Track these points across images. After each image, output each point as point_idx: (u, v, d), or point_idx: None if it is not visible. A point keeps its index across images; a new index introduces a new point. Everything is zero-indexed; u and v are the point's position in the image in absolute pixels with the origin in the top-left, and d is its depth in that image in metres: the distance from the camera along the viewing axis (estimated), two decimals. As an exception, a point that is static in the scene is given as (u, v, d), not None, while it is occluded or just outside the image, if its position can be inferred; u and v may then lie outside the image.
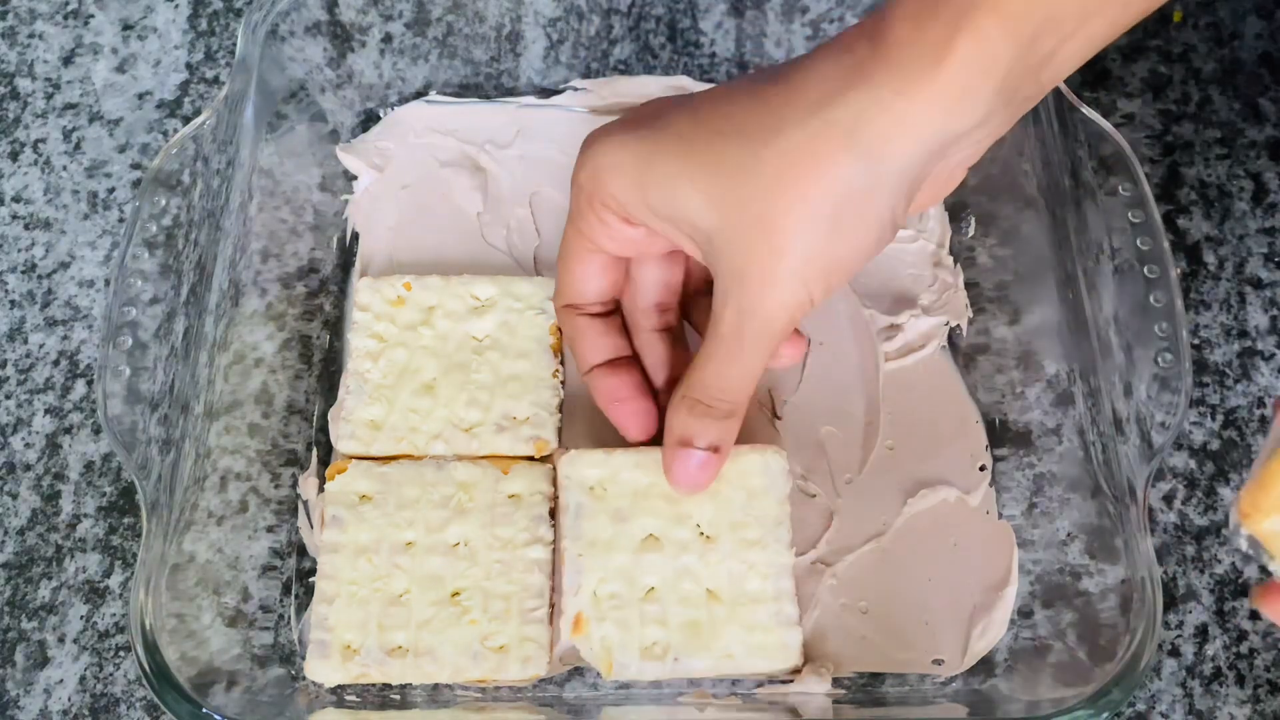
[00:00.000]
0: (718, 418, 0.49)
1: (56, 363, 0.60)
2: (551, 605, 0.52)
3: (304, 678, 0.52)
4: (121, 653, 0.55)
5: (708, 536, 0.53)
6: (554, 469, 0.55)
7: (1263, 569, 0.40)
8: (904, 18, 0.41)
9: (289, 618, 0.54)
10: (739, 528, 0.53)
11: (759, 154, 0.43)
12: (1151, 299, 0.52)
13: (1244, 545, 0.39)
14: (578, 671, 0.53)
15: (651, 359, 0.54)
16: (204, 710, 0.46)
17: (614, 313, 0.54)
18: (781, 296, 0.45)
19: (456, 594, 0.52)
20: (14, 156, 0.66)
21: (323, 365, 0.59)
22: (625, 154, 0.47)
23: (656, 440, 0.53)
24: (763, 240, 0.44)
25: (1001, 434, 0.57)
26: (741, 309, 0.46)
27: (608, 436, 0.55)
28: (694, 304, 0.55)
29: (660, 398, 0.54)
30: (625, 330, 0.54)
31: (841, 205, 0.43)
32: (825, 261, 0.44)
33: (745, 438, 0.53)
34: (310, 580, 0.54)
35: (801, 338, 0.53)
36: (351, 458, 0.55)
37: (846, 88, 0.42)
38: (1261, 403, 0.59)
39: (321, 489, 0.55)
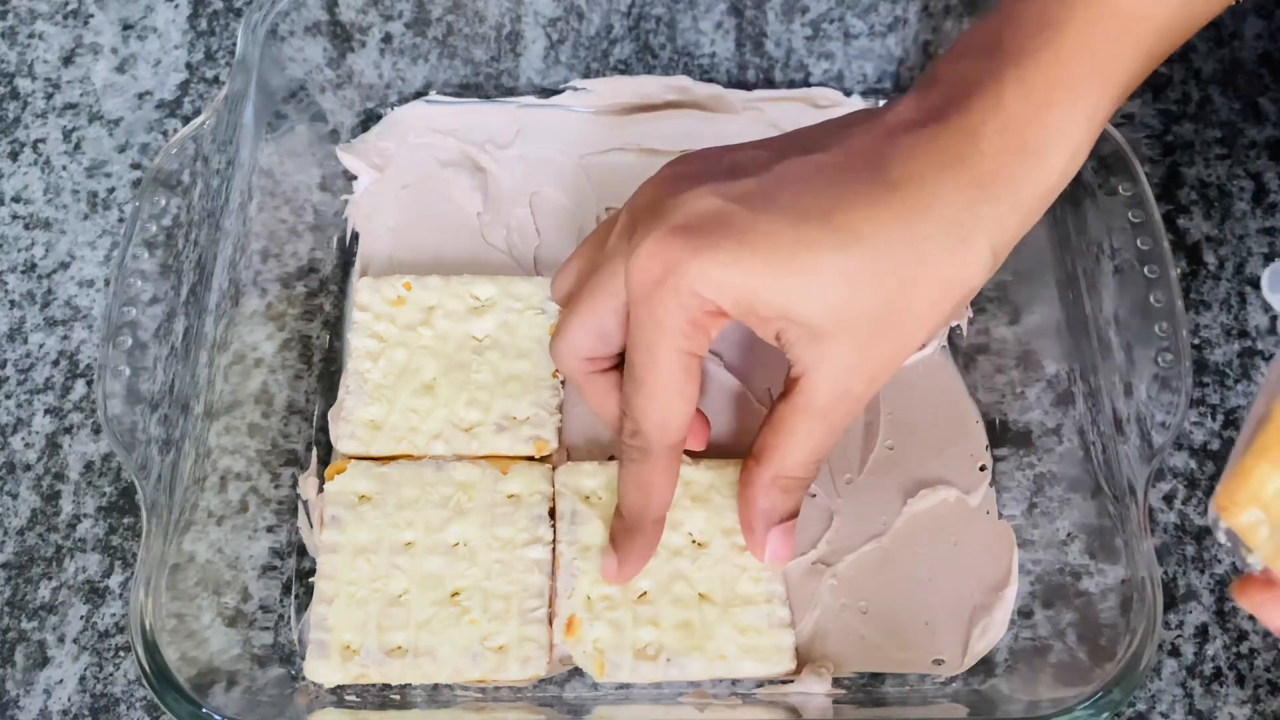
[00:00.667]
0: (801, 491, 0.50)
1: (56, 363, 0.60)
2: (551, 606, 0.53)
3: (304, 678, 0.52)
4: (121, 653, 0.55)
5: (700, 543, 0.53)
6: (553, 469, 0.55)
7: (1240, 561, 0.40)
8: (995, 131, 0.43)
9: (289, 618, 0.54)
10: (731, 533, 0.53)
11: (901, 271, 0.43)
12: (1151, 299, 0.52)
13: (1222, 538, 0.39)
14: (578, 671, 0.53)
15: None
16: (204, 710, 0.46)
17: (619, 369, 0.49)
18: (870, 370, 0.45)
19: (456, 594, 0.52)
20: (14, 156, 0.66)
21: (323, 365, 0.59)
22: (747, 265, 0.43)
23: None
24: (891, 335, 0.44)
25: (1001, 434, 0.57)
26: (834, 378, 0.45)
27: (607, 436, 0.55)
28: None
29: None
30: None
31: (960, 303, 0.45)
32: (907, 344, 0.46)
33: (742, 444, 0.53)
34: (310, 580, 0.54)
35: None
36: (351, 458, 0.55)
37: (976, 202, 0.43)
38: (1262, 403, 0.59)
39: (321, 489, 0.55)
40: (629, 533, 0.50)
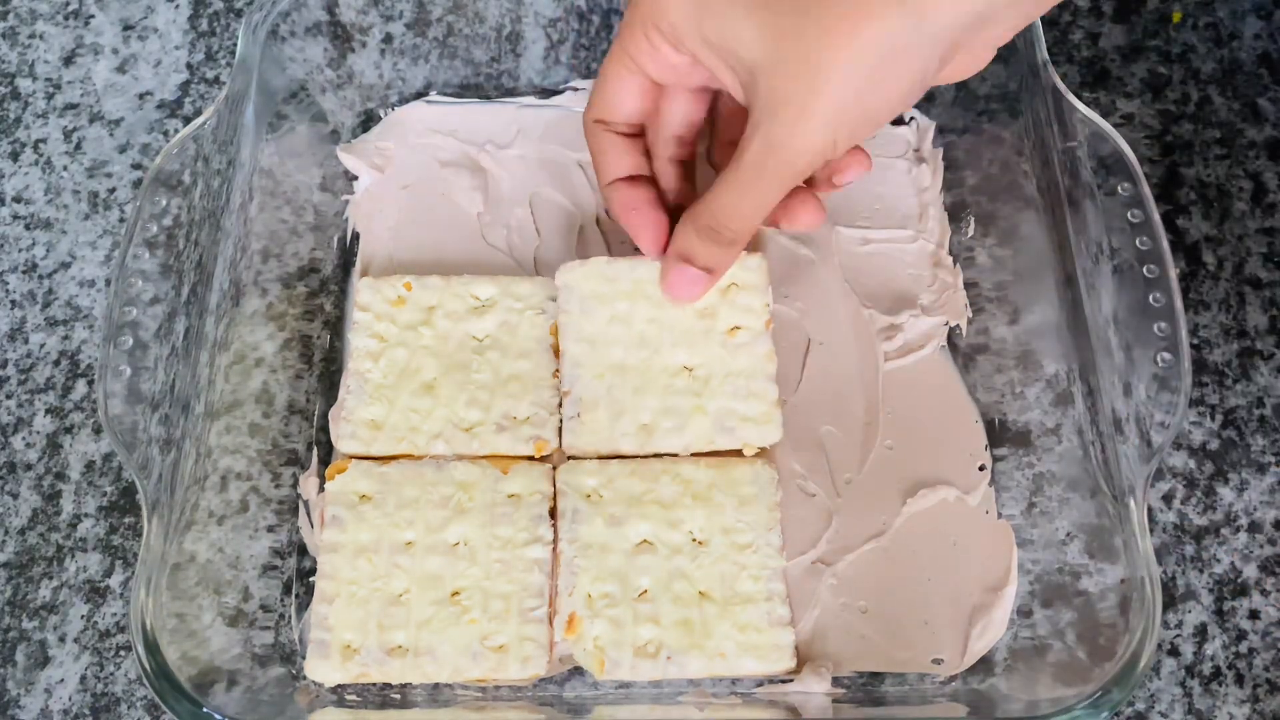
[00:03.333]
0: (720, 244, 0.52)
1: (57, 363, 0.61)
2: (551, 604, 0.53)
3: (304, 677, 0.52)
4: (122, 652, 0.55)
5: (700, 541, 0.53)
6: (554, 469, 0.55)
7: None
8: None
9: (289, 617, 0.54)
10: (731, 532, 0.53)
11: None
12: (1151, 299, 0.52)
13: None
14: (578, 671, 0.53)
15: (663, 183, 0.55)
16: (204, 709, 0.46)
17: (638, 136, 0.55)
18: (810, 135, 0.47)
19: (456, 593, 0.52)
20: (15, 156, 0.66)
21: (323, 365, 0.59)
22: None
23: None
24: (804, 78, 0.46)
25: (1001, 434, 0.57)
26: (769, 141, 0.47)
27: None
28: (720, 149, 0.56)
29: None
30: (647, 154, 0.56)
31: (884, 57, 0.45)
32: (858, 110, 0.46)
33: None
34: (311, 580, 0.54)
35: (864, 154, 0.53)
36: (352, 457, 0.55)
37: None
38: (1261, 402, 0.59)
39: (322, 489, 0.55)
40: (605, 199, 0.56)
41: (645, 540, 0.53)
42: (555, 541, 0.54)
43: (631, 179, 0.55)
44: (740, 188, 0.49)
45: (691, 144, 0.56)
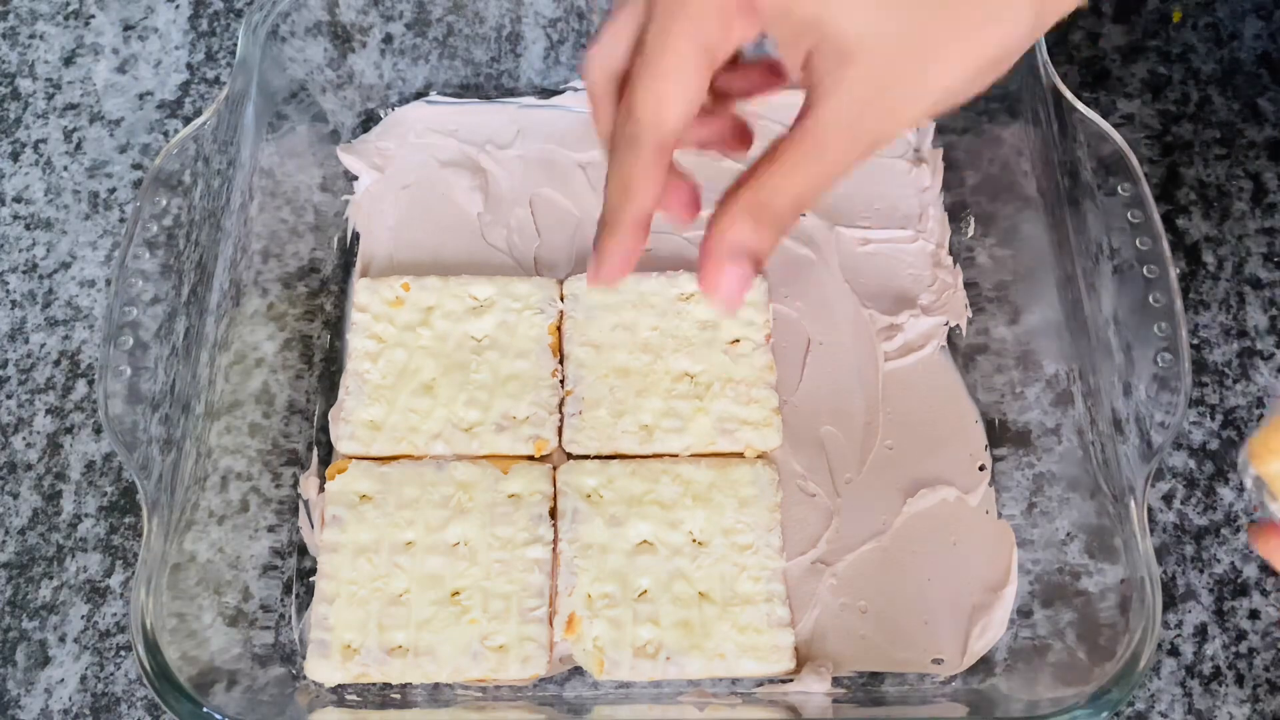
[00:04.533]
0: (772, 226, 0.42)
1: (57, 363, 0.61)
2: (551, 604, 0.53)
3: (304, 677, 0.52)
4: (122, 652, 0.55)
5: (700, 542, 0.53)
6: (553, 469, 0.55)
7: (1262, 508, 0.41)
8: None
9: (290, 617, 0.54)
10: (731, 533, 0.53)
11: None
12: (1151, 299, 0.52)
13: (1249, 484, 0.41)
14: (578, 671, 0.53)
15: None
16: (205, 709, 0.46)
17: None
18: (911, 111, 0.41)
19: (456, 593, 0.52)
20: (15, 157, 0.66)
21: (323, 365, 0.59)
22: None
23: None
24: (919, 59, 0.40)
25: (1001, 434, 0.57)
26: (860, 111, 0.40)
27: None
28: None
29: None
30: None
31: (1000, 57, 0.40)
32: (954, 96, 0.41)
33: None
34: (311, 580, 0.54)
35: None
36: (352, 458, 0.55)
37: None
38: (1261, 402, 0.59)
39: (322, 489, 0.55)
40: (605, 230, 0.43)
41: (645, 541, 0.53)
42: (555, 541, 0.54)
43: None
44: (808, 168, 0.41)
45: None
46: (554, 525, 0.54)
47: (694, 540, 0.53)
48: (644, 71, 0.42)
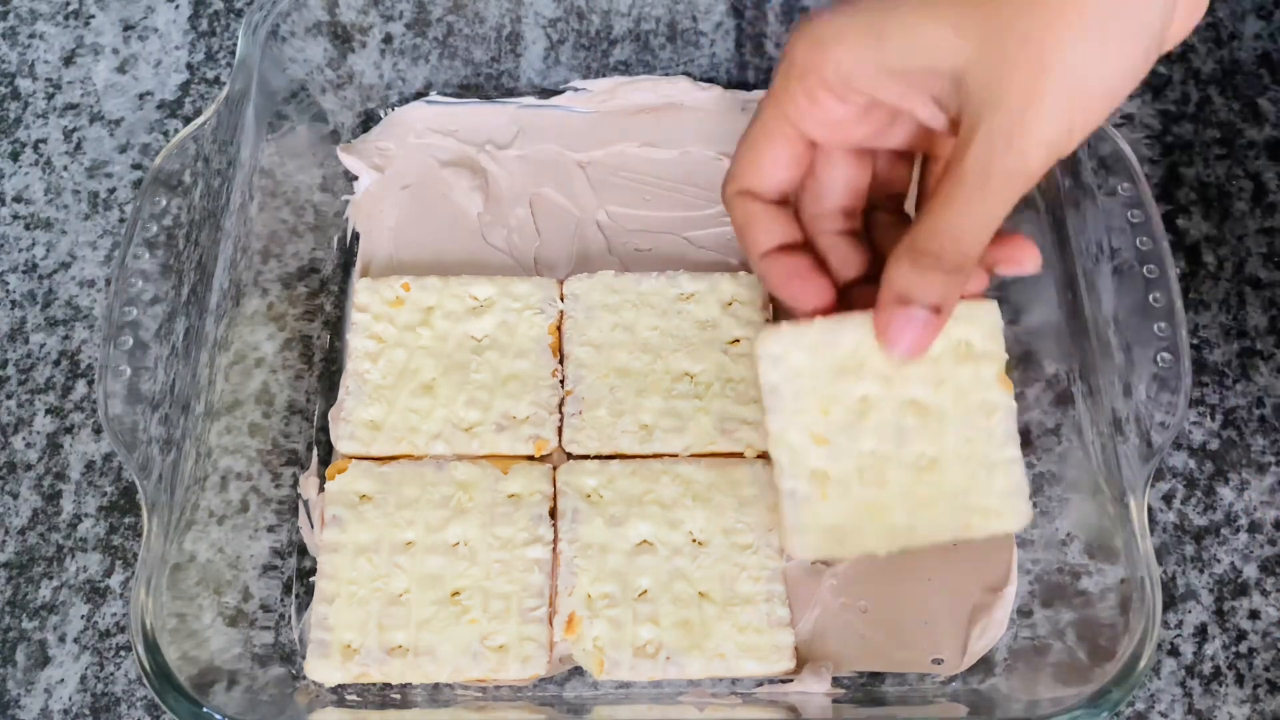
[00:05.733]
0: (946, 270, 0.43)
1: (57, 363, 0.61)
2: (552, 604, 0.53)
3: (304, 677, 0.52)
4: (122, 652, 0.55)
5: (700, 542, 0.53)
6: (553, 469, 0.55)
7: None
8: None
9: (289, 617, 0.54)
10: (731, 533, 0.53)
11: None
12: (1151, 299, 0.52)
13: None
14: (578, 671, 0.53)
15: (836, 259, 0.48)
16: (205, 710, 0.46)
17: (786, 203, 0.48)
18: (1042, 124, 0.40)
19: (456, 593, 0.52)
20: (15, 156, 0.66)
21: (323, 365, 0.59)
22: (854, 17, 0.43)
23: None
24: (1026, 62, 0.40)
25: (1001, 434, 0.57)
26: (993, 140, 0.41)
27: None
28: (874, 221, 0.49)
29: (847, 299, 0.48)
30: (798, 221, 0.49)
31: (1109, 18, 0.40)
32: (1094, 81, 0.40)
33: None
34: (311, 580, 0.54)
35: (1032, 245, 0.46)
36: (351, 458, 0.55)
37: None
38: (1261, 402, 0.59)
39: (322, 489, 0.55)
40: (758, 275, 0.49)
41: (645, 540, 0.53)
42: (555, 541, 0.54)
43: (784, 247, 0.48)
44: (963, 201, 0.42)
45: (859, 215, 0.48)
46: (554, 525, 0.54)
47: (694, 540, 0.54)
48: (741, 141, 0.47)
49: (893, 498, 0.47)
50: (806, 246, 0.48)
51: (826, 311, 0.47)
